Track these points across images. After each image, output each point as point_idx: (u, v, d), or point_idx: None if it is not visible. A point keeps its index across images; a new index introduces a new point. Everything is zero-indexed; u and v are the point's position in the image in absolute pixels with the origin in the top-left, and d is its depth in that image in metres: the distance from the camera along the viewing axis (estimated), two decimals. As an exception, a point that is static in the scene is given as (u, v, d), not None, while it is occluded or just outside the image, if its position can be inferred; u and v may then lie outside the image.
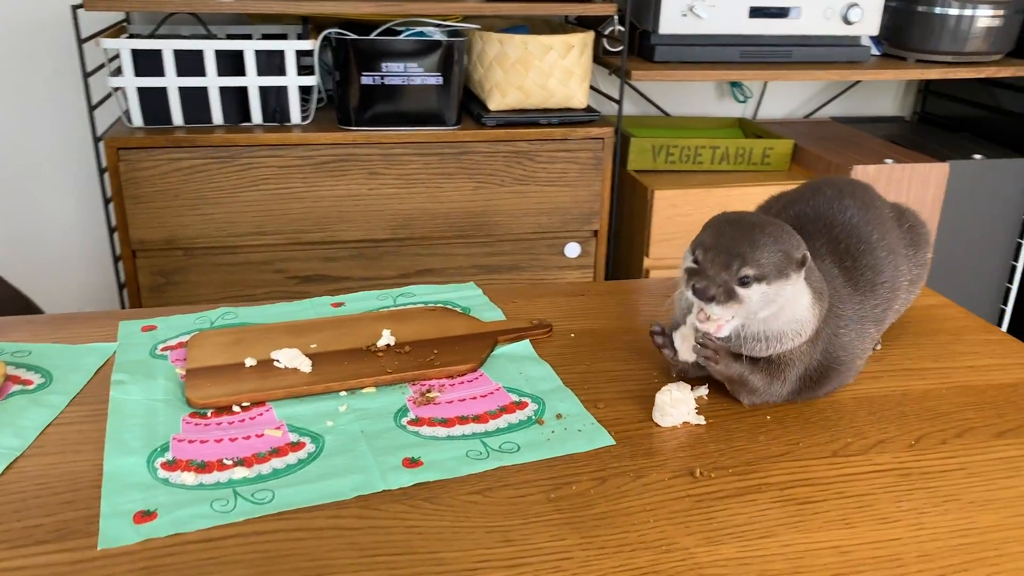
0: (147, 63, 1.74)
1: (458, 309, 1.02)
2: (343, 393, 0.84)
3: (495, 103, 1.93)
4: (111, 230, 1.93)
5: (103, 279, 2.28)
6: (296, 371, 0.86)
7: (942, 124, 2.50)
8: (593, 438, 0.77)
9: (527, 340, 0.95)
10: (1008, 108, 2.30)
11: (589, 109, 1.97)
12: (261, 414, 0.80)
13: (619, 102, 2.01)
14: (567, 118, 1.94)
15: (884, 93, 2.58)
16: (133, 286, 1.86)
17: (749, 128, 2.35)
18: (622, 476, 0.72)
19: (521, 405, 0.82)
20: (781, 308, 0.76)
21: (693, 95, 2.46)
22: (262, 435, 0.77)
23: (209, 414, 0.80)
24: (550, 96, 1.95)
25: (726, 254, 0.74)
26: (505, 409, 0.81)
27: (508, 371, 0.88)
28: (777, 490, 0.70)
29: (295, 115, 1.86)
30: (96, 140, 1.80)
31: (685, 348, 0.80)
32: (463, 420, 0.80)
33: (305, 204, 1.86)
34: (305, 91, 1.88)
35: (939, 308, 1.06)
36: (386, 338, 0.92)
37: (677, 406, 0.79)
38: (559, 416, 0.80)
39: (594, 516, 0.67)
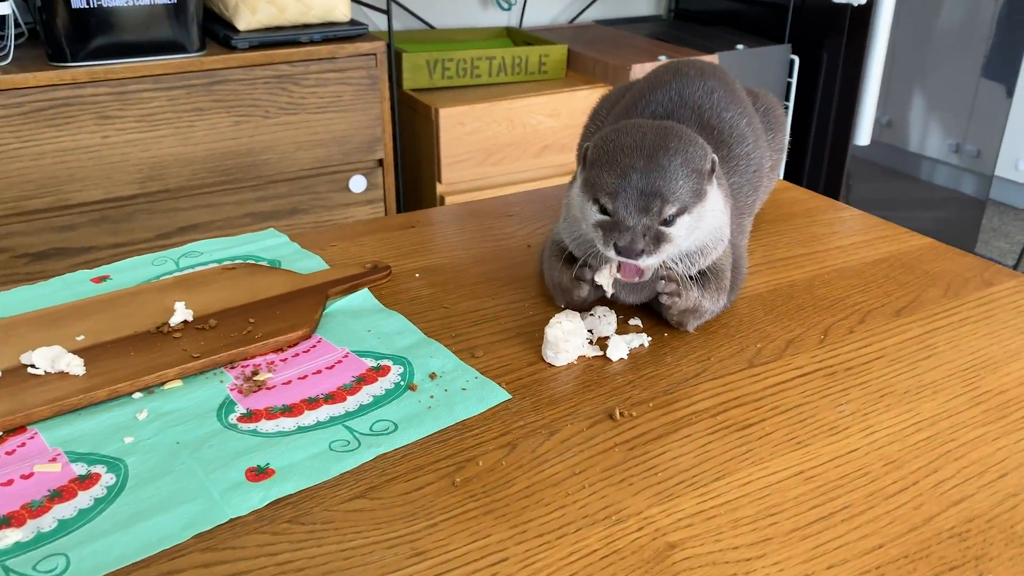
0: None
1: (264, 263, 0.82)
2: (137, 395, 0.62)
3: (244, 22, 1.66)
4: None
5: None
6: (63, 376, 0.63)
7: (697, 19, 2.54)
8: (483, 395, 0.62)
9: (365, 289, 0.77)
10: (758, -2, 2.36)
11: (354, 22, 1.76)
12: (23, 444, 0.57)
13: (387, 11, 1.81)
14: (331, 33, 1.71)
15: (641, -8, 2.57)
16: None
17: (518, 37, 2.24)
18: (533, 436, 0.58)
19: (382, 371, 0.65)
20: (702, 223, 0.65)
21: (456, 5, 2.30)
22: (31, 474, 0.54)
23: (-61, 460, 0.55)
24: (308, 9, 1.70)
25: (642, 196, 0.61)
26: (363, 379, 0.64)
27: (353, 330, 0.71)
28: (710, 417, 0.60)
29: (-13, 53, 1.48)
30: None
31: (608, 282, 0.67)
32: (313, 403, 0.61)
33: (21, 164, 1.50)
34: (-4, 21, 1.50)
35: (782, 192, 1.01)
36: (180, 313, 0.70)
37: (571, 338, 0.66)
38: (433, 376, 0.64)
39: (517, 496, 0.52)
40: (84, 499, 0.52)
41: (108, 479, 0.54)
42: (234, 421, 0.59)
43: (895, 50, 2.17)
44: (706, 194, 0.64)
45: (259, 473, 0.54)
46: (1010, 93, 2.57)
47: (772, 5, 2.31)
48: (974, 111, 2.60)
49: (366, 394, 0.62)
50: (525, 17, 2.39)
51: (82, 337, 0.68)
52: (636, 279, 0.65)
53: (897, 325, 0.72)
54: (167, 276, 0.79)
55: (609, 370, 0.65)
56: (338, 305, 0.74)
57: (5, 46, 1.50)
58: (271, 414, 0.60)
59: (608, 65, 2.03)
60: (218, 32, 1.68)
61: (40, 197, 1.54)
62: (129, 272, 0.80)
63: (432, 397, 0.62)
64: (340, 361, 0.66)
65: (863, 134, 2.20)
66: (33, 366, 0.63)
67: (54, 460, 0.56)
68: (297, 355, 0.67)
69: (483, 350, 0.68)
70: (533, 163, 2.00)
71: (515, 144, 1.96)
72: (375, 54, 1.74)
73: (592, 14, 2.50)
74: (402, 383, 0.64)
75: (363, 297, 0.76)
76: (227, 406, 0.61)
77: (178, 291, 0.75)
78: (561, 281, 0.71)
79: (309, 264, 0.82)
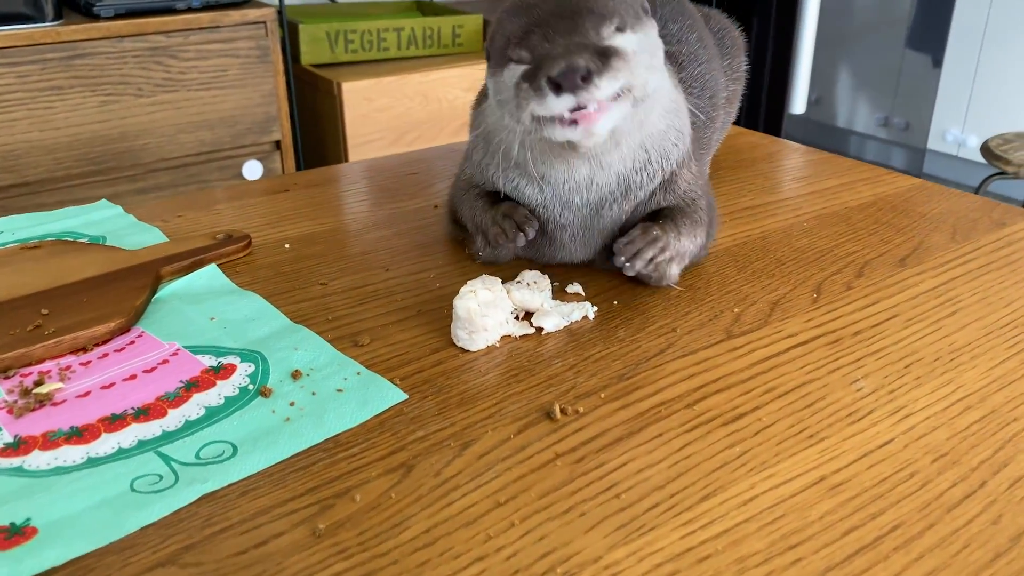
0: None
1: (83, 241, 0.62)
2: None
3: (107, -14, 1.43)
4: None
5: None
6: None
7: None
8: (367, 398, 0.44)
9: (212, 265, 0.58)
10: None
11: (239, -13, 1.55)
12: None
13: (276, -26, 1.61)
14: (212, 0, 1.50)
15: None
16: None
17: (429, 9, 2.05)
18: (438, 452, 0.40)
19: (224, 371, 0.46)
20: (654, 93, 0.48)
21: (358, -26, 2.10)
22: None
23: None
24: (183, -28, 1.48)
25: (562, 18, 0.45)
26: (196, 384, 0.45)
27: (189, 318, 0.51)
28: (685, 408, 0.43)
29: None
30: None
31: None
32: (117, 422, 0.42)
33: None
34: None
35: (736, 138, 0.86)
36: (-58, 306, 0.50)
37: (490, 312, 0.48)
38: (297, 375, 0.46)
39: (412, 546, 0.34)
40: None
41: None
42: (-9, 456, 0.40)
43: (819, 24, 2.06)
44: (646, 22, 0.50)
45: (11, 535, 0.35)
46: (937, 63, 2.50)
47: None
48: (900, 84, 2.53)
49: (196, 405, 0.43)
50: (436, -12, 2.21)
51: None
52: (594, 132, 0.46)
53: (904, 277, 0.56)
54: (-53, 262, 0.59)
55: (544, 352, 0.48)
56: (174, 288, 0.55)
57: None
58: (50, 442, 0.41)
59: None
60: (77, -1, 1.45)
61: None
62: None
63: (293, 405, 0.43)
64: (166, 361, 0.47)
65: (799, 102, 2.09)
66: None
67: None
68: (107, 356, 0.48)
69: (370, 335, 0.49)
70: (451, 141, 1.82)
71: (430, 121, 1.77)
72: (264, 22, 1.53)
73: (508, -14, 2.33)
74: (251, 387, 0.45)
75: (209, 276, 0.56)
76: None
77: (-49, 279, 0.54)
78: (483, 222, 0.53)
79: (143, 239, 0.62)
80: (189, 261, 0.57)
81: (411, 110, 1.74)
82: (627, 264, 0.51)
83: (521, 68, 0.46)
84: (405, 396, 0.44)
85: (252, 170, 1.63)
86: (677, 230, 0.52)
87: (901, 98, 2.54)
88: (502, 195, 0.55)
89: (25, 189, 1.42)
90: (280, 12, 1.58)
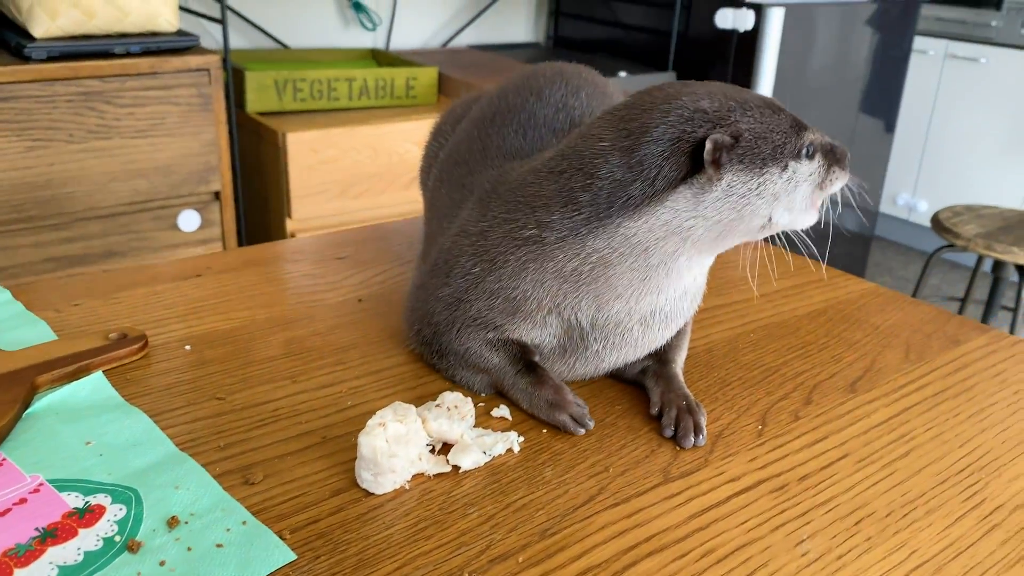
0: None
1: (-40, 334, 0.55)
2: None
3: (41, 28, 1.37)
4: None
5: None
6: None
7: (577, 47, 2.40)
8: (249, 558, 0.38)
9: (98, 372, 0.52)
10: (640, 25, 2.24)
11: (182, 33, 1.49)
12: None
13: (222, 20, 1.56)
14: (152, 45, 1.44)
15: (517, 18, 2.41)
16: None
17: (384, 59, 2.02)
18: (323, 636, 0.34)
19: (88, 516, 0.40)
20: None
21: (313, 24, 2.06)
22: None
23: None
24: (123, 16, 1.43)
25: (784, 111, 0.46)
26: (54, 533, 0.39)
27: (62, 442, 0.45)
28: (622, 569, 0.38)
29: None
30: None
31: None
32: (-53, 587, 0.36)
33: None
34: None
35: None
36: None
37: (400, 451, 0.43)
38: (174, 522, 0.40)
39: None
40: None
41: None
42: None
43: (774, 86, 2.07)
44: None
45: None
46: (890, 128, 2.53)
47: (654, 32, 2.18)
48: (853, 147, 2.56)
49: (49, 564, 0.37)
50: (392, 39, 2.18)
51: None
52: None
53: (855, 405, 0.53)
54: None
55: (459, 496, 0.43)
56: (50, 400, 0.49)
57: None
58: None
59: (483, 91, 1.83)
60: (8, 39, 1.38)
61: None
62: None
63: (163, 564, 0.37)
64: (24, 500, 0.41)
65: (752, 166, 2.09)
66: None
67: None
68: (-47, 492, 0.42)
69: (264, 470, 0.44)
70: (401, 196, 1.77)
71: (379, 175, 1.73)
72: (208, 70, 1.48)
73: (466, 39, 2.32)
74: (117, 539, 0.39)
75: (93, 386, 0.50)
76: None
77: None
78: (542, 396, 0.49)
79: (26, 335, 0.56)
80: (73, 367, 0.51)
81: (359, 163, 1.69)
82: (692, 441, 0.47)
83: (812, 161, 0.45)
84: (293, 556, 0.38)
85: (188, 221, 1.56)
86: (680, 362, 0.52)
87: (854, 161, 2.58)
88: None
89: (-60, 236, 1.34)
90: (225, 60, 1.53)
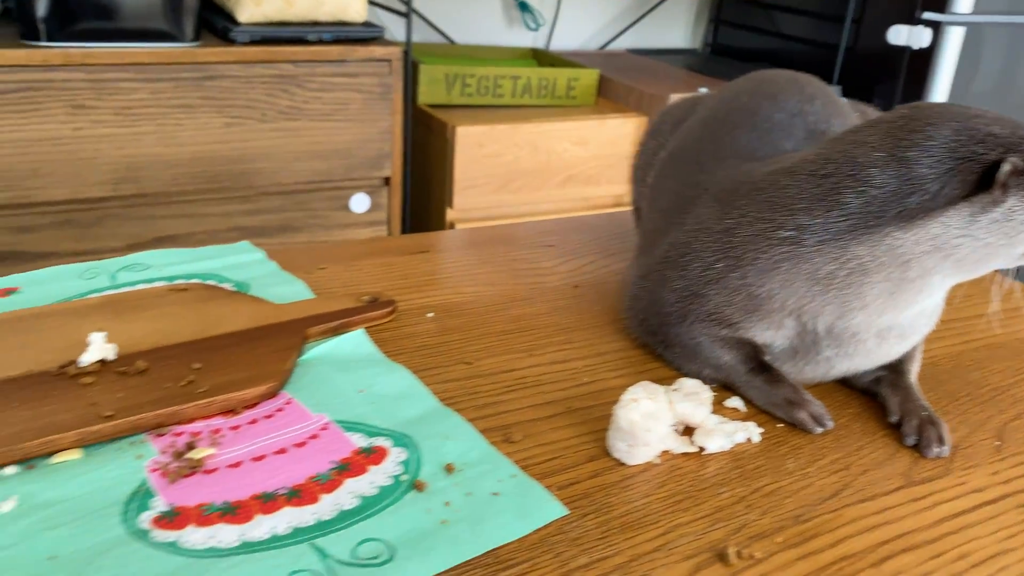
0: None
1: (228, 286, 0.61)
2: (9, 470, 0.42)
3: (246, 14, 1.47)
4: None
5: None
6: (-98, 435, 0.42)
7: (736, 55, 2.38)
8: (526, 507, 0.41)
9: (360, 330, 0.57)
10: (804, 36, 2.20)
11: (368, 24, 1.57)
12: None
13: (407, 14, 1.63)
14: (343, 34, 1.53)
15: (675, 24, 2.41)
16: None
17: (545, 59, 2.06)
18: (604, 585, 0.37)
19: (375, 454, 0.45)
20: None
21: (480, 21, 2.12)
22: None
23: None
24: (319, 5, 1.52)
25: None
26: (347, 467, 0.44)
27: (338, 389, 0.50)
28: (871, 567, 0.39)
29: (-52, 23, 1.29)
30: None
31: None
32: (269, 502, 0.41)
33: (-24, 152, 1.31)
34: (-39, -12, 1.31)
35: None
36: (97, 348, 0.50)
37: (653, 425, 0.45)
38: (451, 469, 0.44)
39: None
40: None
41: (-79, 621, 0.33)
42: (147, 525, 0.39)
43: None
44: None
45: (167, 626, 0.33)
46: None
47: (820, 44, 2.14)
48: None
49: (349, 493, 0.42)
50: (553, 39, 2.22)
51: (-45, 372, 0.47)
52: None
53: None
54: (95, 294, 0.59)
55: (708, 476, 0.45)
56: (321, 350, 0.54)
57: (-30, 18, 1.31)
58: (204, 517, 0.39)
59: (644, 94, 1.85)
60: (216, 23, 1.50)
61: (-4, 192, 1.34)
62: (47, 285, 0.60)
63: (448, 505, 0.41)
64: (316, 435, 0.46)
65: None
66: None
67: None
68: (255, 421, 0.47)
69: (521, 431, 0.47)
70: (555, 194, 1.81)
71: (536, 172, 1.77)
72: (390, 60, 1.55)
73: (623, 43, 2.34)
74: (403, 477, 0.43)
75: (356, 341, 0.55)
76: (141, 497, 0.40)
77: (103, 316, 0.54)
78: (780, 394, 0.51)
79: (287, 291, 0.61)
80: (336, 323, 0.56)
81: (519, 159, 1.74)
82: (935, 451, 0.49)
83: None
84: (566, 511, 0.41)
85: (359, 203, 1.64)
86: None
87: None
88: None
89: (143, 200, 1.46)
90: (407, 52, 1.60)
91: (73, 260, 1.43)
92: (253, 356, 0.51)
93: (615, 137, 1.81)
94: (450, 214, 1.74)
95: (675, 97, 1.79)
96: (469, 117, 1.71)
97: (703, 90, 1.85)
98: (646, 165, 0.69)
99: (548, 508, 0.41)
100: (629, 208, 0.78)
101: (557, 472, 0.44)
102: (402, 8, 1.65)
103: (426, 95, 1.76)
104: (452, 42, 2.09)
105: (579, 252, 0.74)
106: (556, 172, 1.79)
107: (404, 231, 1.75)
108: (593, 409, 0.50)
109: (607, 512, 0.42)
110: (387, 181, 1.65)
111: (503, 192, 1.75)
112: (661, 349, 0.56)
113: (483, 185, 1.72)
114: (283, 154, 1.53)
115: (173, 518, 0.39)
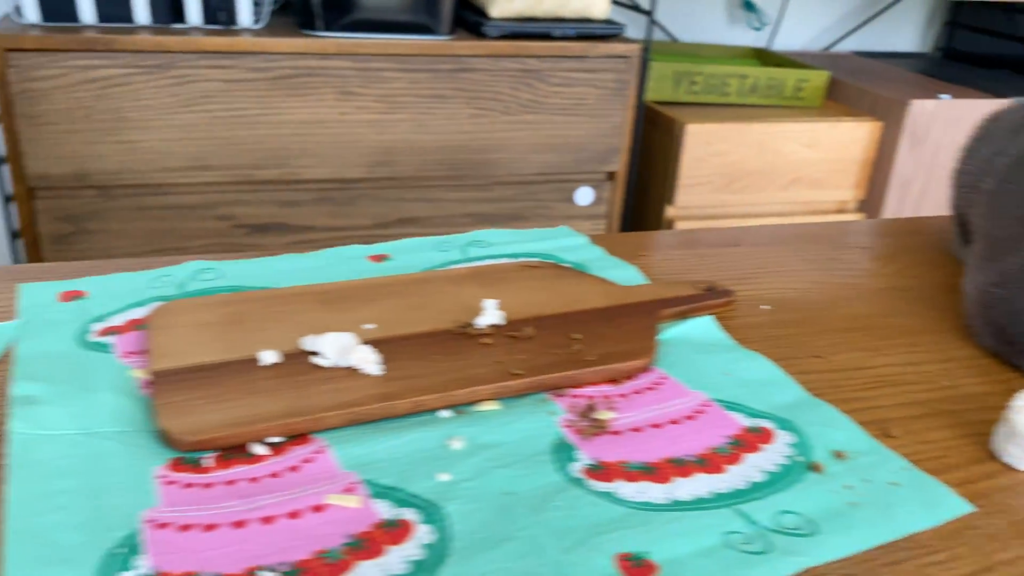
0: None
1: (568, 266, 0.66)
2: (445, 413, 0.48)
3: (498, 9, 1.54)
4: (-3, 160, 1.47)
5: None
6: (353, 374, 0.49)
7: (969, 60, 2.24)
8: (929, 499, 0.43)
9: (709, 317, 0.60)
10: (1055, 42, 2.05)
11: (610, 22, 1.61)
12: (310, 459, 0.43)
13: (650, 12, 1.66)
14: (585, 30, 1.58)
15: (906, 26, 2.30)
16: (30, 235, 1.41)
17: (768, 59, 2.03)
18: (1033, 581, 0.38)
19: (762, 434, 0.47)
20: None
21: (702, 19, 2.12)
22: (324, 506, 0.40)
23: (209, 461, 0.42)
24: (566, 2, 1.57)
25: None
26: (741, 443, 0.46)
27: (704, 370, 0.53)
28: None
29: (245, 16, 1.43)
30: (-28, 36, 1.33)
31: None
32: (681, 467, 0.44)
33: (259, 132, 1.45)
34: (258, -17, 1.45)
35: None
36: (491, 313, 0.55)
37: (1045, 433, 0.45)
38: (841, 456, 0.46)
39: None
40: (394, 560, 0.37)
41: (425, 533, 0.39)
42: (579, 474, 0.43)
43: None
44: None
45: (636, 566, 0.37)
46: None
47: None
48: None
49: (753, 467, 0.45)
50: (776, 39, 2.18)
51: (372, 326, 0.54)
52: None
53: None
54: (455, 265, 0.65)
55: (1102, 488, 0.45)
56: (675, 333, 0.57)
57: (260, 9, 1.45)
58: (627, 472, 0.43)
59: (879, 97, 1.79)
60: (467, 17, 1.58)
61: (271, 168, 1.48)
62: (411, 254, 0.67)
63: (850, 488, 0.43)
64: (700, 412, 0.49)
65: None
66: (319, 355, 0.50)
67: (350, 489, 0.41)
68: (640, 392, 0.51)
69: (899, 428, 0.49)
70: (778, 196, 1.79)
71: (761, 173, 1.75)
72: (628, 57, 1.58)
73: (848, 44, 2.26)
74: (798, 459, 0.45)
75: (705, 327, 0.58)
76: (564, 450, 0.45)
77: (475, 285, 0.60)
78: None
79: (623, 275, 0.65)
80: (683, 308, 0.59)
81: (745, 159, 1.73)
82: None
83: None
84: (973, 508, 0.42)
85: (584, 196, 1.69)
86: None
87: None
88: None
89: (392, 183, 1.57)
90: (645, 49, 1.63)
91: (329, 235, 1.55)
92: (621, 332, 0.55)
93: (847, 141, 1.76)
94: (669, 211, 1.75)
95: (916, 103, 1.72)
96: (697, 115, 1.71)
97: (945, 97, 1.76)
98: (979, 171, 0.68)
99: (952, 503, 0.43)
100: (857, 215, 0.77)
101: (945, 471, 0.45)
102: (644, 5, 1.68)
103: (653, 92, 1.78)
104: (675, 39, 2.09)
105: (899, 256, 0.73)
106: (782, 174, 1.77)
107: (624, 226, 1.78)
108: (965, 413, 0.50)
109: (1015, 514, 0.42)
110: (612, 176, 1.68)
111: (725, 192, 1.75)
112: (1019, 360, 0.55)
113: (706, 183, 1.73)
114: (520, 146, 1.59)
115: (601, 471, 0.43)
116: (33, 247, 1.42)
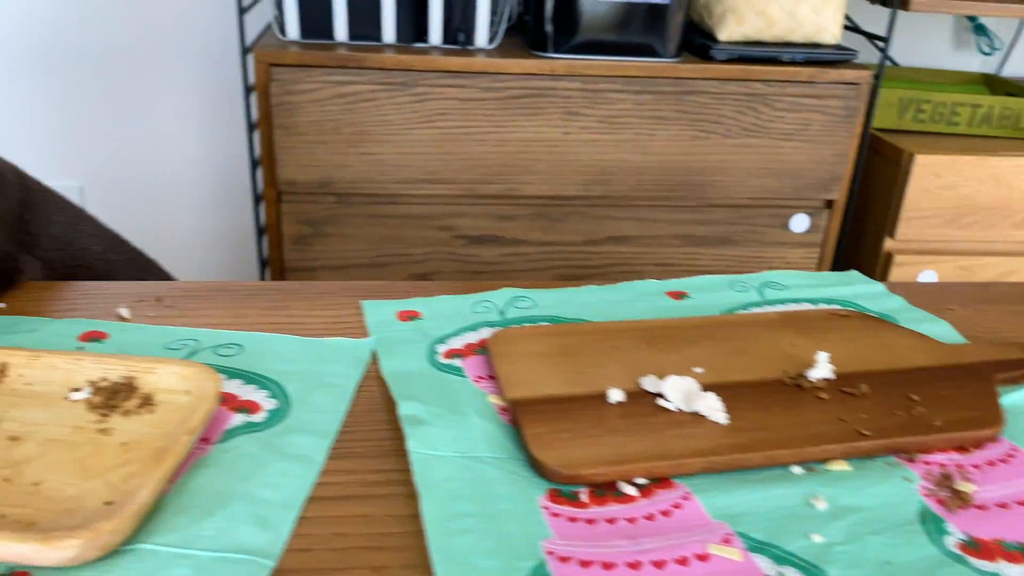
0: (311, -43, 1.39)
1: (875, 316, 0.65)
2: (797, 469, 0.48)
3: (727, 32, 1.53)
4: (253, 164, 1.59)
5: (235, 221, 1.97)
6: (699, 420, 0.50)
7: None
8: None
9: (1047, 385, 0.57)
10: None
11: (840, 48, 1.56)
12: (679, 505, 0.44)
13: (885, 39, 1.59)
14: (815, 55, 1.53)
15: None
16: (275, 234, 1.53)
17: (998, 86, 1.90)
18: None
19: None
20: None
21: (925, 42, 2.02)
22: (706, 555, 0.41)
23: (583, 496, 0.44)
24: (798, 26, 1.54)
25: None
26: None
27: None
28: None
29: (482, 36, 1.49)
30: (244, 51, 1.46)
31: None
32: (1065, 551, 0.42)
33: (486, 147, 1.50)
34: (495, 6, 1.50)
35: None
36: (823, 366, 0.55)
37: None
38: None
39: None
40: (793, 618, 0.37)
41: (812, 595, 0.39)
42: (956, 549, 0.42)
43: None
44: None
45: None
46: None
47: None
48: None
49: None
50: (1008, 65, 2.05)
51: (700, 369, 0.55)
52: None
53: None
54: (755, 307, 0.65)
55: None
56: (1012, 400, 0.55)
57: (495, 28, 1.51)
58: (1007, 553, 0.42)
59: None
60: (693, 40, 1.57)
61: (493, 183, 1.53)
62: (708, 293, 0.68)
63: None
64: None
65: None
66: (661, 397, 0.51)
67: (727, 541, 0.42)
68: (993, 464, 0.49)
69: None
70: (1009, 234, 1.67)
71: (993, 209, 1.65)
72: (859, 84, 1.53)
73: (1089, 71, 2.09)
74: None
75: (1046, 396, 0.55)
76: (932, 521, 0.44)
77: (790, 332, 0.60)
78: None
79: (936, 330, 0.63)
80: (1017, 373, 0.57)
81: (977, 193, 1.63)
82: None
83: None
84: None
85: (799, 223, 1.64)
86: None
87: None
88: None
89: (605, 202, 1.58)
90: (877, 76, 1.56)
91: (539, 250, 1.59)
92: (962, 395, 0.53)
93: (1095, 179, 1.63)
94: (888, 244, 1.68)
95: None
96: (925, 145, 1.63)
97: None
98: None
99: None
100: None
101: None
102: (880, 32, 1.62)
103: (878, 119, 1.71)
104: (895, 63, 2.00)
105: None
106: (1017, 211, 1.65)
107: (838, 255, 1.72)
108: None
109: None
110: (830, 204, 1.63)
111: (951, 227, 1.65)
112: None
113: (930, 217, 1.64)
114: (738, 169, 1.57)
115: (978, 549, 0.42)
116: (276, 246, 1.54)
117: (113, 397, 0.47)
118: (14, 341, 0.54)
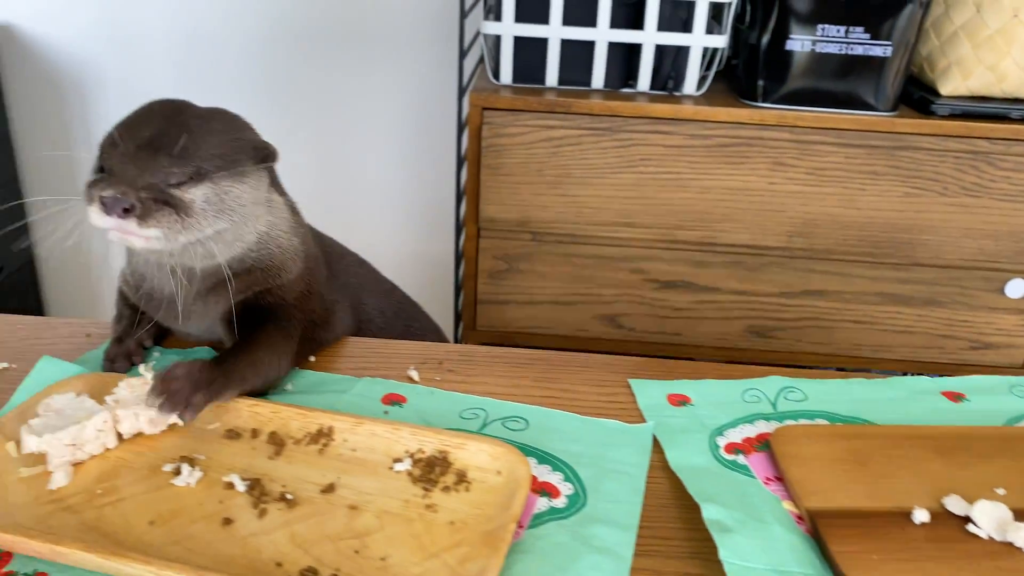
0: (530, 5, 1.43)
1: None
2: None
3: (950, 86, 1.46)
4: (458, 198, 1.66)
5: (436, 247, 2.06)
6: (1014, 552, 0.47)
7: None
8: None
9: None
10: None
11: (1078, 104, 1.45)
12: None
13: None
14: (1049, 113, 1.44)
15: None
16: (472, 267, 1.58)
17: None
18: None
19: None
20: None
21: None
22: None
23: (902, 629, 0.43)
24: (1031, 82, 1.45)
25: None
26: None
27: None
28: None
29: (690, 84, 1.48)
30: (460, 93, 1.52)
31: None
32: None
33: (688, 194, 1.50)
34: (707, 53, 1.50)
35: None
36: None
37: None
38: None
39: None
40: None
41: None
42: None
43: None
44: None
45: None
46: None
47: None
48: None
49: None
50: None
51: (1002, 491, 0.52)
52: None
53: None
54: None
55: None
56: None
57: (705, 76, 1.50)
58: None
59: None
60: (912, 93, 1.51)
61: (690, 229, 1.52)
62: (986, 396, 0.65)
63: None
64: None
65: None
66: (972, 524, 0.49)
67: None
68: None
69: None
70: None
71: None
72: (1096, 144, 1.42)
73: None
74: None
75: None
76: None
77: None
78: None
79: None
80: None
81: None
82: None
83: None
84: None
85: (1015, 288, 1.54)
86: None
87: None
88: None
89: (805, 254, 1.54)
90: (1121, 138, 1.45)
91: (731, 299, 1.56)
92: None
93: None
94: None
95: None
96: None
97: None
98: None
99: None
100: None
101: None
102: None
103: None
104: None
105: None
106: None
107: (1058, 326, 1.60)
108: None
109: None
110: (1054, 270, 1.52)
111: None
112: None
113: None
114: (953, 229, 1.49)
115: None
116: (472, 277, 1.59)
117: (431, 471, 0.50)
118: (329, 401, 0.58)
